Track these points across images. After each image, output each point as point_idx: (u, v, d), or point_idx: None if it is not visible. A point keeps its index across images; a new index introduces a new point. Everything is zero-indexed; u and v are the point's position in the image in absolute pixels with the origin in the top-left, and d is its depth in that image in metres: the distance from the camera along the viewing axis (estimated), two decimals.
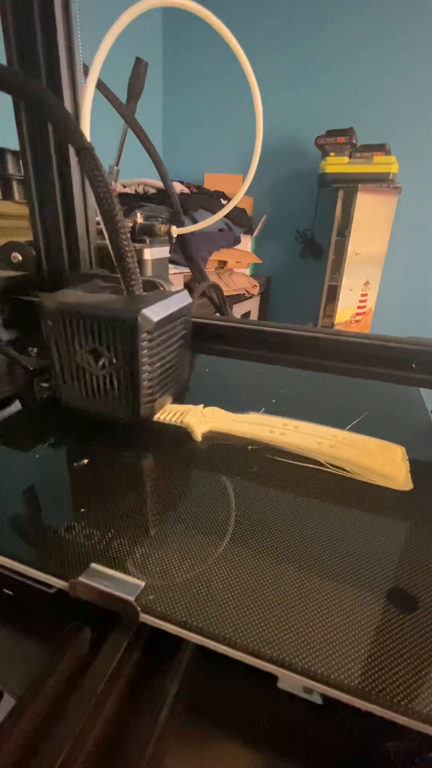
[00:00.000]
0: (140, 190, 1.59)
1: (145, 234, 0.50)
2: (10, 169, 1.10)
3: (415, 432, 0.37)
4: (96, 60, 0.28)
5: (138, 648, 0.20)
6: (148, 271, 0.50)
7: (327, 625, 0.19)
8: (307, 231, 2.20)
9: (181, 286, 0.40)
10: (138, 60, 0.72)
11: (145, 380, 0.31)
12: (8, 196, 1.11)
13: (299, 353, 0.38)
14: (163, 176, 0.58)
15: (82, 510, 0.25)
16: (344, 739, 0.18)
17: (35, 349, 0.47)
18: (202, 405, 0.38)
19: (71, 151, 0.41)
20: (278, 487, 0.29)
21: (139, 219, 0.52)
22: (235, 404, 0.39)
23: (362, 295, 1.99)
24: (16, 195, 1.11)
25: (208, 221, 0.46)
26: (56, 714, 0.17)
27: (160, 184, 1.54)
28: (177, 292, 0.35)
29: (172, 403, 0.38)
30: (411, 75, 1.86)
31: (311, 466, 0.31)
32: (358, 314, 2.04)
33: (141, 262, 0.49)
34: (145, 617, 0.19)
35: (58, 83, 0.37)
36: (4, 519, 0.25)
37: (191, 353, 0.39)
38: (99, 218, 0.54)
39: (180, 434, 0.35)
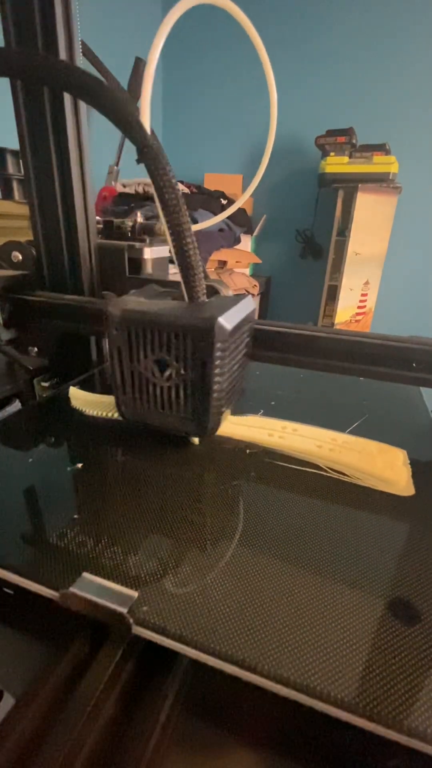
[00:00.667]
0: (140, 190, 1.58)
1: (145, 233, 0.50)
2: (10, 169, 1.10)
3: (416, 432, 0.37)
4: (151, 55, 0.27)
5: (136, 651, 0.20)
6: (148, 270, 0.50)
7: (326, 638, 0.18)
8: (307, 231, 2.20)
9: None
10: (138, 60, 0.72)
11: (215, 392, 0.29)
12: (8, 196, 1.11)
13: (299, 353, 0.37)
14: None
15: (75, 516, 0.25)
16: (345, 740, 0.18)
17: (35, 349, 0.47)
18: None
19: (71, 150, 0.41)
20: (277, 493, 0.28)
21: (140, 218, 0.52)
22: (234, 407, 0.38)
23: (362, 294, 2.00)
24: (16, 195, 1.11)
25: (211, 221, 0.46)
26: (56, 715, 0.17)
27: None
28: (242, 297, 0.32)
29: None
30: (411, 75, 1.86)
31: (310, 470, 0.31)
32: (358, 314, 2.04)
33: (140, 261, 0.49)
34: (138, 630, 0.18)
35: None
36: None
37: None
38: (99, 218, 0.53)
39: (176, 437, 0.34)
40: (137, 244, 0.49)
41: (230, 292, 0.34)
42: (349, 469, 0.31)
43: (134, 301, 0.29)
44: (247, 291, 1.88)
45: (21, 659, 0.20)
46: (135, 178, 1.62)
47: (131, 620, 0.18)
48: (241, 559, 0.22)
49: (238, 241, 1.93)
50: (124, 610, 0.18)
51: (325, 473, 0.30)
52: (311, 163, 2.04)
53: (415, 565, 0.23)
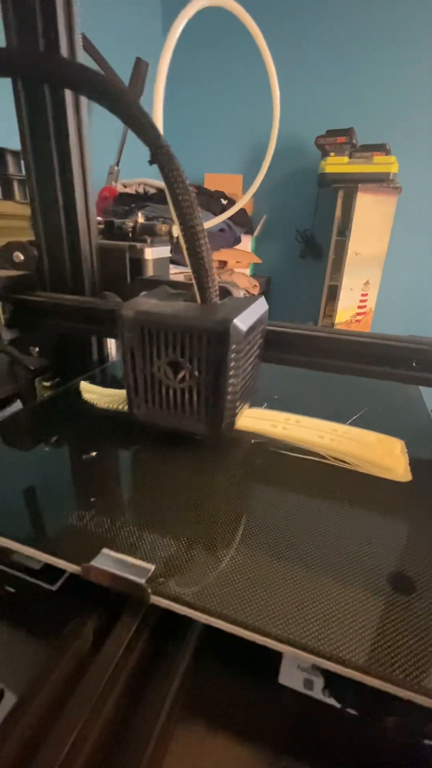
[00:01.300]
0: (141, 190, 1.59)
1: (146, 233, 0.50)
2: (11, 169, 1.10)
3: (416, 429, 0.38)
4: (163, 56, 0.27)
5: (139, 645, 0.20)
6: (149, 270, 0.50)
7: (331, 606, 0.19)
8: (307, 231, 2.20)
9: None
10: (138, 60, 0.72)
11: (229, 394, 0.29)
12: (8, 196, 1.11)
13: (299, 352, 0.38)
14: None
15: (93, 499, 0.26)
16: (346, 737, 0.18)
17: (36, 349, 0.47)
18: None
19: (72, 150, 0.41)
20: (281, 479, 0.30)
21: (140, 219, 0.52)
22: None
23: (362, 294, 2.00)
24: (17, 195, 1.11)
25: (213, 222, 0.46)
26: (57, 713, 0.17)
27: (160, 184, 1.54)
28: (255, 298, 0.33)
29: None
30: (411, 75, 1.86)
31: (313, 458, 0.32)
32: (358, 314, 2.04)
33: (141, 261, 0.49)
34: (155, 599, 0.20)
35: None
36: (20, 508, 0.26)
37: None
38: (100, 218, 0.54)
39: None
40: (138, 245, 0.49)
41: (242, 293, 0.34)
42: (350, 457, 0.32)
43: (147, 303, 0.29)
44: (247, 291, 1.88)
45: (22, 658, 0.20)
46: (135, 178, 1.62)
47: (149, 590, 0.19)
48: (249, 538, 0.24)
49: (238, 241, 1.93)
50: (142, 581, 0.20)
51: (326, 461, 0.32)
52: (311, 163, 2.04)
53: (411, 542, 0.24)
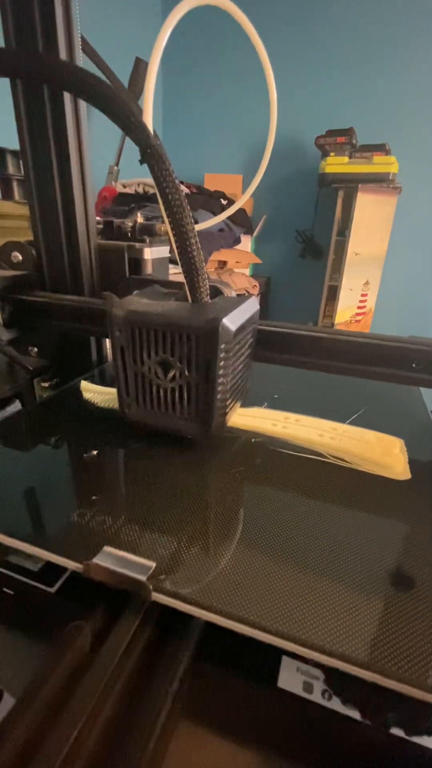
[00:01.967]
0: (140, 190, 1.59)
1: (145, 234, 0.50)
2: (10, 169, 1.10)
3: (416, 429, 0.38)
4: (153, 57, 0.27)
5: (138, 646, 0.20)
6: (148, 270, 0.50)
7: (331, 603, 0.19)
8: (307, 231, 2.20)
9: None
10: (138, 60, 0.72)
11: (219, 393, 0.29)
12: (8, 196, 1.11)
13: (299, 353, 0.38)
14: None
15: (94, 498, 0.26)
16: (345, 740, 0.18)
17: (35, 349, 0.47)
18: None
19: (71, 150, 0.41)
20: (281, 477, 0.30)
21: (140, 219, 0.52)
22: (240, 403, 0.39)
23: (362, 295, 1.99)
24: (16, 195, 1.11)
25: (212, 221, 0.46)
26: (56, 714, 0.17)
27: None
28: (246, 298, 0.33)
29: None
30: (411, 75, 1.86)
31: (313, 457, 0.32)
32: (358, 314, 2.04)
33: (141, 261, 0.49)
34: (156, 596, 0.20)
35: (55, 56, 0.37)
36: (21, 507, 0.26)
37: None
38: (99, 218, 0.53)
39: None
40: (137, 245, 0.49)
41: (233, 293, 0.34)
42: (349, 455, 0.32)
43: (138, 302, 0.30)
44: (247, 291, 1.88)
45: (21, 659, 0.20)
46: (135, 178, 1.62)
47: (151, 587, 0.20)
48: (249, 535, 0.24)
49: (238, 241, 1.93)
50: (143, 578, 0.20)
51: (326, 459, 0.32)
52: (311, 163, 2.04)
53: (410, 538, 0.24)
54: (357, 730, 0.18)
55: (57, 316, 0.44)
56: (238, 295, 0.35)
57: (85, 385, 0.41)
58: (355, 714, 0.18)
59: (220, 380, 0.28)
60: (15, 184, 1.11)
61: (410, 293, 2.19)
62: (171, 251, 0.53)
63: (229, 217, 1.75)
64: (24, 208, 0.72)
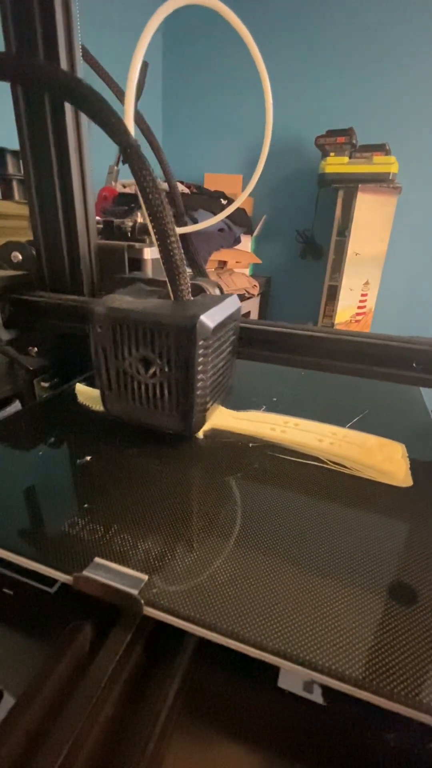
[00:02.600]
0: None
1: (145, 234, 0.50)
2: (10, 169, 1.10)
3: (416, 431, 0.37)
4: (136, 56, 0.27)
5: (139, 646, 0.20)
6: (148, 270, 0.50)
7: (328, 618, 0.19)
8: (307, 231, 2.20)
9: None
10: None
11: (198, 389, 0.29)
12: (8, 196, 1.11)
13: (299, 353, 0.38)
14: (167, 175, 0.58)
15: (86, 506, 0.25)
16: (344, 739, 0.18)
17: (35, 349, 0.47)
18: None
19: (71, 150, 0.41)
20: (279, 484, 0.29)
21: (140, 219, 0.52)
22: (236, 402, 0.39)
23: (362, 295, 1.99)
24: (16, 195, 1.11)
25: (211, 221, 0.46)
26: (56, 714, 0.17)
27: (161, 183, 1.54)
28: (227, 296, 0.33)
29: None
30: (411, 75, 1.86)
31: (312, 462, 0.31)
32: (358, 314, 2.04)
33: (140, 261, 0.49)
34: (149, 611, 0.19)
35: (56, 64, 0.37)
36: (11, 515, 0.25)
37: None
38: (99, 218, 0.53)
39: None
40: (137, 245, 0.49)
41: (217, 291, 0.35)
42: (350, 461, 0.31)
43: (119, 300, 0.30)
44: (247, 291, 1.88)
45: (21, 659, 0.20)
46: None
47: (142, 601, 0.19)
48: (246, 546, 0.23)
49: (238, 241, 1.92)
50: (134, 592, 0.19)
51: (326, 465, 0.31)
52: (311, 163, 2.04)
53: (412, 550, 0.23)
54: (357, 731, 0.18)
55: (57, 316, 0.44)
56: (229, 293, 0.35)
57: (80, 388, 0.41)
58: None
59: (199, 377, 0.29)
60: (15, 184, 1.11)
61: (410, 293, 2.18)
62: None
63: (229, 217, 1.75)
64: (24, 208, 0.72)
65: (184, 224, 0.56)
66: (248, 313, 2.04)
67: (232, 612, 0.19)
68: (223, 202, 1.77)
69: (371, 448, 0.33)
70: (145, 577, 0.20)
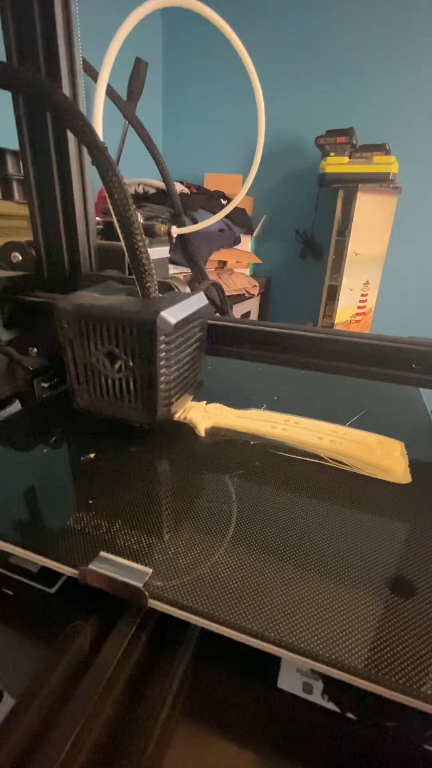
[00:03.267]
0: (140, 190, 1.58)
1: (144, 234, 0.50)
2: (10, 169, 1.10)
3: (415, 430, 0.38)
4: (107, 58, 0.28)
5: (141, 642, 0.20)
6: None
7: (329, 609, 0.19)
8: (307, 231, 2.20)
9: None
10: (138, 60, 0.72)
11: (162, 383, 0.30)
12: (8, 196, 1.11)
13: (299, 353, 0.38)
14: (164, 175, 0.58)
15: (91, 501, 0.26)
16: (344, 739, 0.18)
17: (35, 349, 0.47)
18: (205, 402, 0.39)
19: (71, 150, 0.41)
20: (280, 480, 0.29)
21: (140, 219, 0.52)
22: (238, 401, 0.39)
23: (362, 295, 1.99)
24: (16, 195, 1.11)
25: (210, 221, 0.46)
26: (56, 714, 0.17)
27: (159, 184, 1.54)
28: (193, 294, 0.34)
29: None
30: (411, 75, 1.85)
31: (312, 460, 0.32)
32: (358, 314, 2.03)
33: None
34: (153, 603, 0.19)
35: (58, 77, 0.37)
36: (17, 511, 0.25)
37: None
38: (99, 218, 0.53)
39: (183, 430, 0.35)
40: None
41: (187, 289, 0.36)
42: (349, 459, 0.32)
43: (87, 296, 0.31)
44: (247, 291, 1.88)
45: (21, 659, 0.20)
46: (135, 178, 1.61)
47: (147, 594, 0.19)
48: (247, 540, 0.24)
49: (238, 241, 1.92)
50: (139, 585, 0.20)
51: (326, 463, 0.32)
52: (311, 163, 2.04)
53: (410, 544, 0.24)
54: (357, 731, 0.18)
55: None
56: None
57: None
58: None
59: (162, 371, 0.30)
60: (15, 184, 1.11)
61: (410, 293, 2.18)
62: (170, 251, 0.53)
63: (229, 217, 1.75)
64: (24, 208, 0.72)
65: (182, 224, 0.56)
66: (248, 313, 2.03)
67: (234, 604, 0.19)
68: (223, 202, 1.77)
69: (371, 446, 0.33)
70: (150, 571, 0.20)
